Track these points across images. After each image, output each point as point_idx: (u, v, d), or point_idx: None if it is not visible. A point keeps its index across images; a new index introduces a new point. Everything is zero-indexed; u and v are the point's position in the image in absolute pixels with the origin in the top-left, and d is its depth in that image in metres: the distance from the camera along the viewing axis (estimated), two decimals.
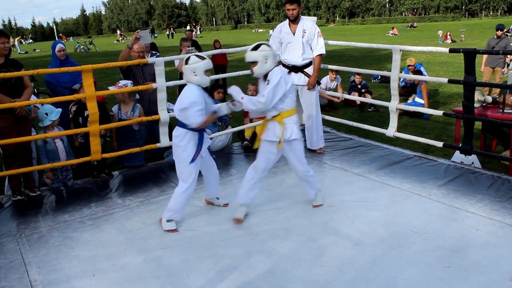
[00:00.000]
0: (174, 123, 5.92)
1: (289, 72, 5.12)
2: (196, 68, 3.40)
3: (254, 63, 3.46)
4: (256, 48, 3.47)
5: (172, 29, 57.62)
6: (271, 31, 35.93)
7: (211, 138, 5.48)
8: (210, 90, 6.20)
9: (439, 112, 5.10)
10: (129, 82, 4.98)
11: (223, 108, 3.76)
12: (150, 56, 5.54)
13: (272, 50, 3.50)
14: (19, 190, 4.40)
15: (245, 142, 5.69)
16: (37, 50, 39.28)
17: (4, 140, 4.08)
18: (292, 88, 3.55)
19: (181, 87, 6.53)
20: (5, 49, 4.14)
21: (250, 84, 6.03)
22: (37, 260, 3.23)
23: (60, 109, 4.63)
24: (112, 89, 4.92)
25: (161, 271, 3.03)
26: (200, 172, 3.70)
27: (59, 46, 5.50)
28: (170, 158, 5.25)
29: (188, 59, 3.45)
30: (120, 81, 5.01)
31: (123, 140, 5.07)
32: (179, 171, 3.57)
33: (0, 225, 3.83)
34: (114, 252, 3.31)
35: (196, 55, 3.48)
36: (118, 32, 65.40)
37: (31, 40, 68.70)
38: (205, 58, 3.47)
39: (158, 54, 6.11)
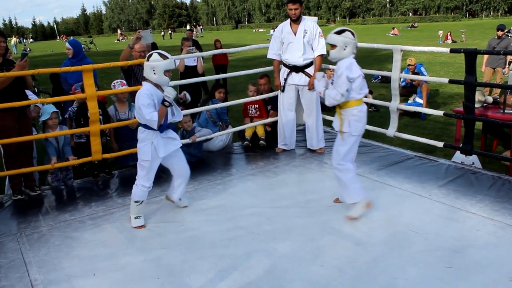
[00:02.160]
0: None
1: (289, 72, 5.13)
2: (156, 67, 3.29)
3: (333, 46, 3.40)
4: (340, 32, 3.41)
5: (173, 28, 57.50)
6: (272, 31, 35.94)
7: (211, 138, 5.49)
8: (211, 89, 6.19)
9: (440, 112, 5.10)
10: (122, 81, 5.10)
11: (169, 90, 3.39)
12: None
13: (355, 40, 3.42)
14: (19, 190, 4.40)
15: (246, 142, 5.68)
16: (29, 50, 39.32)
17: (5, 140, 4.08)
18: (359, 79, 3.41)
19: (181, 87, 6.55)
20: (1, 48, 4.14)
21: (250, 84, 6.01)
22: (38, 260, 3.23)
23: (53, 109, 4.55)
24: (119, 88, 4.96)
25: (161, 271, 3.03)
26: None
27: (66, 44, 5.54)
28: None
29: (150, 55, 3.33)
30: (123, 80, 5.05)
31: (124, 140, 5.05)
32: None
33: (1, 224, 3.83)
34: (115, 251, 3.31)
35: (160, 53, 3.34)
36: (119, 31, 65.49)
37: (31, 40, 68.91)
38: (168, 58, 3.33)
39: None
